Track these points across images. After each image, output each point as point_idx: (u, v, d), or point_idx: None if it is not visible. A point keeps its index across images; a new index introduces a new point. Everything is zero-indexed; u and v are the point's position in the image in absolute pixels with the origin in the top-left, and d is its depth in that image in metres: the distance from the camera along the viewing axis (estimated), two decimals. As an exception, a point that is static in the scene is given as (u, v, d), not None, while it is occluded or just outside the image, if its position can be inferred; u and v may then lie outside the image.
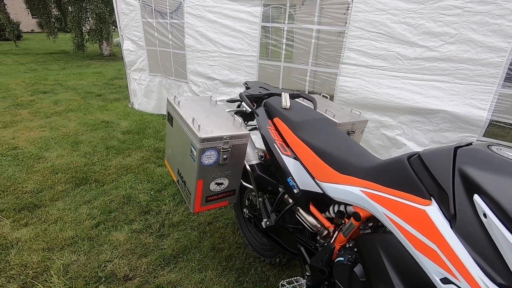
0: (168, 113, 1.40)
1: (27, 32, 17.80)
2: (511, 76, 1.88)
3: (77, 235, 1.86)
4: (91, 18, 8.78)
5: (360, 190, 0.96)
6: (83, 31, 9.13)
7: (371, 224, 1.02)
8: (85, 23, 9.07)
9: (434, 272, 0.69)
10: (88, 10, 8.73)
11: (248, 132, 1.22)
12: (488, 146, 0.73)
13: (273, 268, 1.71)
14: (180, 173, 1.37)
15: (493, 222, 0.59)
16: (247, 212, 1.62)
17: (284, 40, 2.74)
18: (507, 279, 0.57)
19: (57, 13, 10.29)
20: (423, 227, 0.73)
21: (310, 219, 1.21)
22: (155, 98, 4.22)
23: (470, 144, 0.78)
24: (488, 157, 0.69)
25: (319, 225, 1.19)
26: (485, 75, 1.91)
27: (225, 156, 1.18)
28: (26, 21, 16.78)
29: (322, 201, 1.17)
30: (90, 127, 3.65)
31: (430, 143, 2.23)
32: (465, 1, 1.86)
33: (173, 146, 1.43)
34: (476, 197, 0.64)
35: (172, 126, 1.37)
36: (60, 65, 8.15)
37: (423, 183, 0.78)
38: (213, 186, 1.25)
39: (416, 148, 2.30)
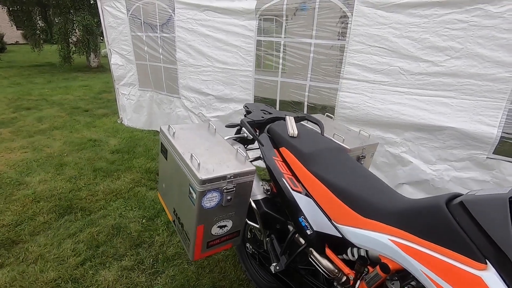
0: (162, 144, 1.25)
1: (11, 44, 17.34)
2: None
3: (60, 277, 1.66)
4: (78, 29, 8.56)
5: (389, 239, 0.83)
6: (69, 42, 8.88)
7: (399, 274, 0.89)
8: (71, 34, 8.83)
9: None
10: (74, 21, 8.51)
11: (254, 168, 1.08)
12: None
13: (280, 308, 1.56)
14: (176, 213, 1.21)
15: None
16: (251, 247, 1.47)
17: (281, 54, 2.64)
18: None
19: (42, 24, 10.01)
20: (481, 300, 0.60)
21: (326, 263, 1.07)
22: (146, 114, 4.05)
23: (525, 192, 0.66)
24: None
25: (336, 271, 1.06)
26: (494, 90, 1.83)
27: (229, 197, 1.03)
28: (10, 32, 16.36)
29: (340, 243, 1.04)
30: (76, 146, 3.44)
31: (437, 160, 2.14)
32: (470, 15, 1.79)
33: (167, 181, 1.28)
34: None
35: (166, 159, 1.22)
36: (45, 78, 7.87)
37: (473, 241, 0.65)
38: (215, 230, 1.09)
39: (422, 165, 2.20)
